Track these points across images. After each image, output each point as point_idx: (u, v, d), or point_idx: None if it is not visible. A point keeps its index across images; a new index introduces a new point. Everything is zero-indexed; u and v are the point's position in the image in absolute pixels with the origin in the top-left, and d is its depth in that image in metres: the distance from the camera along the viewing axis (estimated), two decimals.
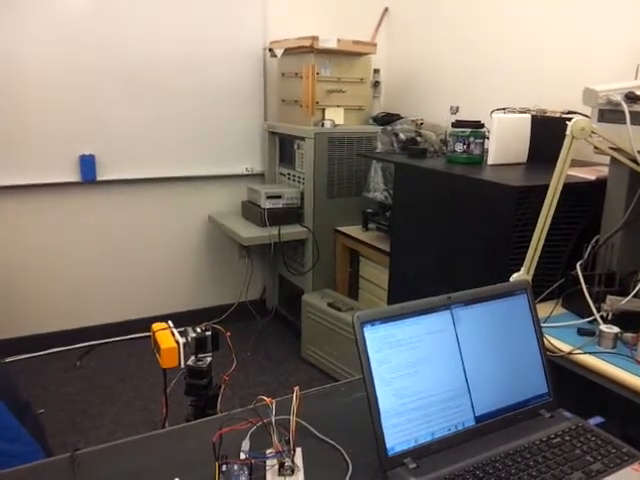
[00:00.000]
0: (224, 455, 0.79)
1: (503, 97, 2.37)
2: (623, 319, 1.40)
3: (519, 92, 2.44)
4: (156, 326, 1.05)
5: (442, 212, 1.95)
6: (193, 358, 1.10)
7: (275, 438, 0.80)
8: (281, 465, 0.79)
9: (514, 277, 1.49)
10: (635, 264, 1.58)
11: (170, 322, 1.06)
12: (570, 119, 1.41)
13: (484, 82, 2.66)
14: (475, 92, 2.65)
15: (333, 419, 0.98)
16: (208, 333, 1.08)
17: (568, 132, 1.42)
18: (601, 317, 1.43)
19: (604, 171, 1.74)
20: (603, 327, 1.36)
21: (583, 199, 1.72)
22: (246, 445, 0.82)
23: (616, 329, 1.36)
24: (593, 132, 1.41)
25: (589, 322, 1.46)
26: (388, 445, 0.82)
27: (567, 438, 0.90)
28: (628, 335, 1.38)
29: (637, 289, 1.49)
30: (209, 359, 1.11)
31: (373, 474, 0.83)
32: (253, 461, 0.79)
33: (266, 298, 3.45)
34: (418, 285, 2.06)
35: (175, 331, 1.06)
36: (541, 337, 0.99)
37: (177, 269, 3.22)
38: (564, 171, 1.42)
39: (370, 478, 0.82)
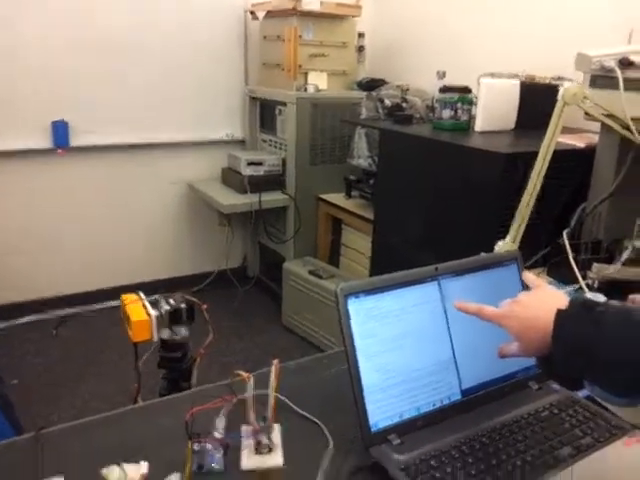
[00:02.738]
0: (197, 433, 0.75)
1: (491, 62, 2.30)
2: (609, 287, 1.38)
3: (507, 57, 2.37)
4: (126, 298, 0.99)
5: (428, 180, 1.90)
6: (168, 331, 1.05)
7: (252, 416, 0.76)
8: (258, 443, 0.74)
9: (499, 245, 1.46)
10: (621, 232, 1.56)
11: (141, 293, 1.00)
12: (559, 85, 1.37)
13: (471, 47, 2.58)
14: (462, 57, 2.57)
15: (314, 393, 0.94)
16: (183, 305, 1.03)
17: (560, 98, 1.38)
18: (587, 285, 1.41)
19: (593, 138, 1.71)
20: (589, 295, 1.33)
21: (571, 167, 1.68)
22: (221, 423, 0.78)
23: (602, 297, 1.33)
24: (585, 98, 1.37)
25: (575, 290, 1.44)
26: (371, 421, 0.79)
27: (555, 411, 0.87)
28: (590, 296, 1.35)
29: (624, 257, 1.48)
30: (184, 331, 1.06)
31: (355, 451, 0.79)
32: (228, 440, 0.75)
33: (247, 266, 3.40)
34: (402, 253, 2.03)
35: (147, 303, 1.00)
36: None
37: (156, 237, 3.15)
38: (554, 138, 1.38)
39: (352, 455, 0.79)
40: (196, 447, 0.74)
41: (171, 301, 1.05)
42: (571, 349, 0.70)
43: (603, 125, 1.53)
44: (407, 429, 0.81)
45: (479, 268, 0.92)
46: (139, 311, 0.97)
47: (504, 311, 0.78)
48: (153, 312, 0.98)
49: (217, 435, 0.76)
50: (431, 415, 0.84)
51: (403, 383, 0.82)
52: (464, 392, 0.87)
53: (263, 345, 2.75)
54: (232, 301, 3.08)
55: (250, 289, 3.21)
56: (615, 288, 1.37)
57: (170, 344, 1.05)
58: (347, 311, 0.79)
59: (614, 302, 0.79)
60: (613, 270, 1.44)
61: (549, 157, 1.38)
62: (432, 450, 0.77)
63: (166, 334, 1.06)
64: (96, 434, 0.81)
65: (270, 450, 0.75)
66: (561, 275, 1.51)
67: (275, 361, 0.93)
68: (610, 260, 1.46)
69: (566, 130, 1.43)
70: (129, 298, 1.01)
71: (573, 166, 1.69)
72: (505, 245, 1.46)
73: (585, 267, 1.46)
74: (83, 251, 2.99)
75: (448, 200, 1.82)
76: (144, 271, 3.10)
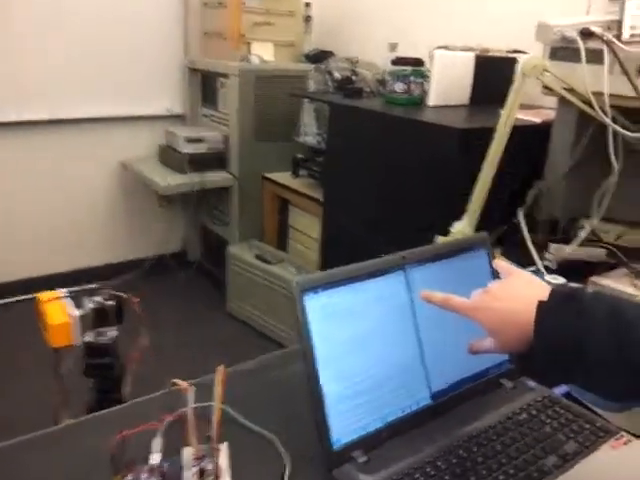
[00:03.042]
0: (128, 462, 0.62)
1: (443, 35, 2.21)
2: (568, 268, 1.33)
3: (460, 31, 2.28)
4: (43, 296, 0.84)
5: (381, 157, 1.80)
6: (93, 333, 0.90)
7: (193, 438, 0.63)
8: (201, 472, 0.62)
9: (456, 226, 1.38)
10: (577, 211, 1.51)
11: (61, 290, 0.85)
12: (517, 58, 1.29)
13: (423, 19, 2.47)
14: (413, 30, 2.46)
15: (267, 401, 0.82)
16: (110, 302, 0.88)
17: (519, 70, 1.30)
18: (544, 267, 1.36)
19: (550, 114, 1.65)
20: (548, 278, 1.28)
21: (527, 143, 1.61)
22: (157, 446, 0.65)
23: (562, 279, 1.29)
24: (545, 70, 1.29)
25: (532, 272, 1.39)
26: (333, 437, 0.68)
27: (534, 412, 0.79)
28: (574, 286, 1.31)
29: (581, 236, 1.43)
30: (114, 333, 0.91)
31: (317, 471, 0.68)
32: (165, 469, 0.62)
33: (188, 250, 3.22)
34: (355, 236, 1.93)
35: (67, 302, 0.85)
36: None
37: (88, 221, 2.92)
38: (513, 112, 1.30)
39: (313, 477, 0.68)
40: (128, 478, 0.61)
41: (96, 298, 0.90)
42: (556, 348, 0.61)
43: (561, 100, 1.47)
44: (374, 443, 0.71)
45: (448, 255, 0.82)
46: (58, 312, 0.82)
47: (475, 302, 0.69)
48: (74, 312, 0.83)
49: (152, 462, 0.64)
50: (400, 424, 0.74)
51: (368, 390, 0.72)
52: (434, 395, 0.78)
53: (207, 336, 2.58)
54: (172, 288, 2.90)
55: (191, 275, 3.04)
56: (574, 269, 1.32)
57: (96, 349, 0.90)
58: (304, 309, 0.68)
59: (599, 290, 0.70)
60: (571, 250, 1.39)
61: (508, 132, 1.31)
62: (405, 468, 0.67)
63: (91, 337, 0.91)
64: (4, 465, 0.67)
65: (217, 478, 0.63)
66: (517, 256, 1.44)
67: (220, 367, 0.81)
68: (567, 240, 1.41)
69: (521, 106, 1.36)
70: (46, 296, 0.85)
71: (529, 142, 1.62)
72: (461, 225, 1.39)
73: (542, 248, 1.40)
74: (4, 238, 2.73)
75: (402, 179, 1.73)
76: (76, 258, 2.88)
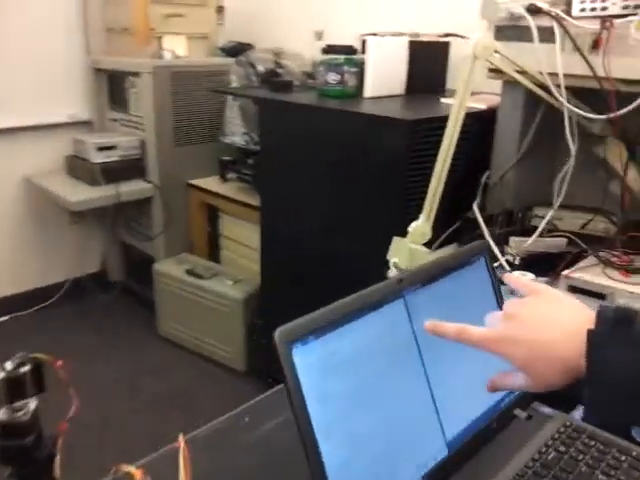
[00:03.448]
0: None
1: (370, 20, 2.09)
2: (531, 262, 1.25)
3: (387, 14, 2.16)
4: None
5: (320, 156, 1.65)
6: (6, 409, 0.68)
7: None
8: None
9: (412, 227, 1.27)
10: (531, 200, 1.43)
11: None
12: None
13: (347, 4, 2.33)
14: (337, 16, 2.32)
15: (244, 475, 0.65)
16: (26, 368, 0.67)
17: (471, 52, 1.20)
18: (507, 262, 1.27)
19: (494, 100, 1.57)
20: (517, 274, 1.18)
21: (474, 131, 1.52)
22: None
23: (530, 275, 1.20)
24: (496, 52, 1.20)
25: (495, 269, 1.30)
26: None
27: (562, 449, 0.66)
28: (541, 280, 1.23)
29: (541, 226, 1.36)
30: (32, 405, 0.70)
31: None
32: None
33: (108, 270, 2.93)
34: (298, 244, 1.77)
35: None
36: None
37: None
38: (465, 99, 1.20)
39: None
40: None
41: (7, 365, 0.69)
42: (623, 390, 0.49)
43: (505, 84, 1.39)
44: None
45: (447, 271, 0.69)
46: None
47: (500, 333, 0.55)
48: None
49: None
50: None
51: (380, 453, 0.57)
52: (450, 445, 0.64)
53: (139, 365, 2.31)
54: (93, 314, 2.62)
55: (114, 297, 2.75)
56: (538, 262, 1.24)
57: (12, 428, 0.68)
58: (293, 366, 0.52)
59: None
60: (532, 243, 1.30)
61: (460, 121, 1.20)
62: None
63: (4, 415, 0.69)
64: None
65: None
66: None
67: (180, 437, 0.63)
68: (525, 231, 1.34)
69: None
70: None
71: (477, 131, 1.54)
72: (420, 226, 1.28)
73: (501, 241, 1.31)
74: None
75: (346, 178, 1.59)
76: None
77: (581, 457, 0.65)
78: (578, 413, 0.74)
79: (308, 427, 0.51)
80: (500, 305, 0.72)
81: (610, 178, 1.30)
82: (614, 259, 1.16)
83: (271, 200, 1.85)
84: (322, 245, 1.67)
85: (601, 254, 1.19)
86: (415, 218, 1.25)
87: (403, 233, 1.24)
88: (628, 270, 1.12)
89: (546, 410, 0.73)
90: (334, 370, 0.55)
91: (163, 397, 2.08)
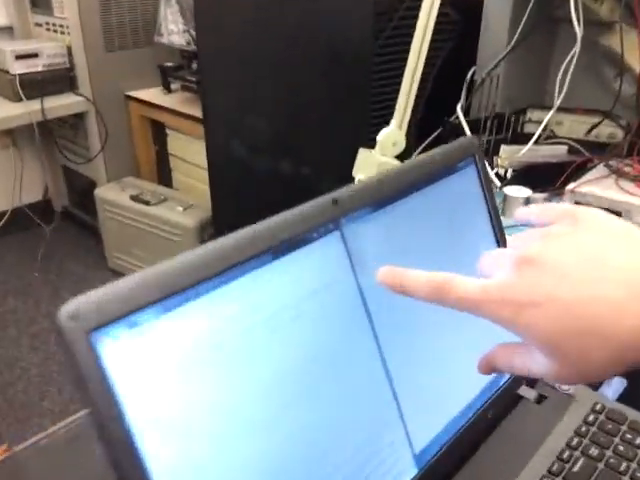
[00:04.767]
0: None
1: None
2: (526, 175, 1.06)
3: None
4: None
5: (270, 52, 1.35)
6: None
7: None
8: None
9: (382, 136, 1.01)
10: (523, 100, 1.21)
11: None
12: None
13: None
14: None
15: None
16: None
17: None
18: (497, 175, 1.08)
19: None
20: (509, 190, 0.97)
21: (453, 15, 1.24)
22: None
23: (527, 191, 0.99)
24: None
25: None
26: None
27: (593, 451, 0.44)
28: (539, 197, 1.02)
29: (537, 132, 1.14)
30: None
31: None
32: None
33: (51, 198, 2.63)
34: (248, 161, 1.50)
35: None
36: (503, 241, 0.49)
37: None
38: None
39: None
40: None
41: None
42: None
43: None
44: None
45: (413, 186, 0.43)
46: None
47: (505, 288, 0.31)
48: None
49: None
50: None
51: None
52: (421, 459, 0.41)
53: None
54: (36, 247, 2.35)
55: (59, 227, 2.47)
56: (533, 175, 1.05)
57: None
58: (103, 371, 0.26)
59: None
60: (527, 152, 1.10)
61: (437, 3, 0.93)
62: None
63: None
64: None
65: None
66: None
67: None
68: (517, 139, 1.15)
69: None
70: None
71: (459, 15, 1.26)
72: (391, 133, 1.02)
73: (490, 151, 1.12)
74: None
75: (300, 78, 1.31)
76: None
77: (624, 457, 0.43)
78: (609, 388, 0.51)
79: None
80: (500, 243, 0.47)
81: (618, 75, 1.09)
82: (627, 169, 0.96)
83: (214, 110, 1.55)
84: (277, 163, 1.41)
85: (611, 163, 0.97)
86: (386, 125, 1.01)
87: (371, 144, 0.99)
88: None
89: (564, 386, 0.50)
90: (198, 364, 0.29)
91: None
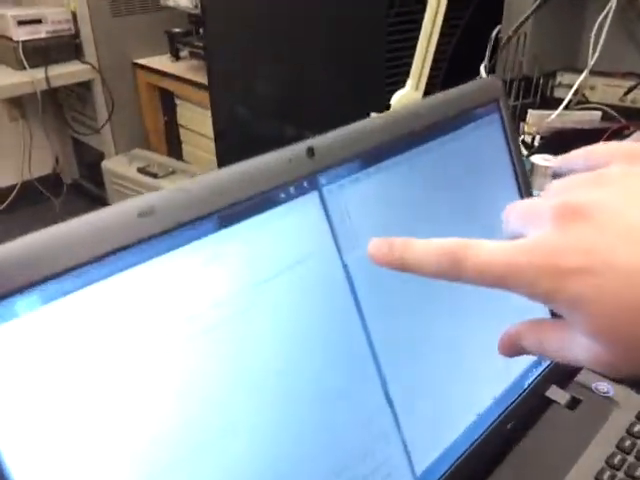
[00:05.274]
0: None
1: None
2: (555, 142, 0.99)
3: None
4: None
5: (281, 19, 1.27)
6: None
7: None
8: None
9: (396, 98, 0.93)
10: (553, 62, 1.13)
11: None
12: None
13: None
14: None
15: None
16: None
17: None
18: (523, 143, 1.00)
19: None
20: (536, 159, 0.89)
21: None
22: None
23: (552, 159, 0.95)
24: None
25: None
26: None
27: None
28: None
29: (569, 96, 1.05)
30: None
31: None
32: None
33: (61, 171, 2.58)
34: (256, 126, 1.43)
35: None
36: None
37: None
38: None
39: None
40: None
41: None
42: None
43: None
44: None
45: (424, 134, 0.34)
46: None
47: (538, 251, 0.21)
48: None
49: None
50: None
51: None
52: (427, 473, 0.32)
53: None
54: (45, 220, 2.29)
55: (68, 199, 2.43)
56: (563, 142, 0.95)
57: None
58: None
59: None
60: (557, 117, 1.02)
61: None
62: None
63: None
64: None
65: None
66: None
67: None
68: (545, 103, 1.08)
69: None
70: None
71: None
72: (407, 95, 0.94)
73: (517, 116, 1.04)
74: None
75: (312, 43, 1.23)
76: None
77: None
78: None
79: None
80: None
81: None
82: None
83: (221, 75, 1.47)
84: (284, 131, 1.33)
85: None
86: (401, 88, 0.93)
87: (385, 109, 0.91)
88: None
89: (602, 385, 0.41)
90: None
91: None
